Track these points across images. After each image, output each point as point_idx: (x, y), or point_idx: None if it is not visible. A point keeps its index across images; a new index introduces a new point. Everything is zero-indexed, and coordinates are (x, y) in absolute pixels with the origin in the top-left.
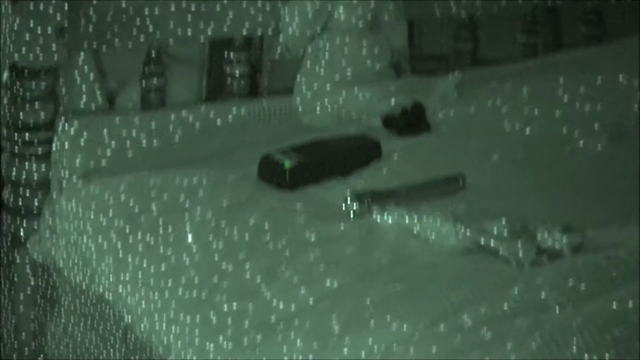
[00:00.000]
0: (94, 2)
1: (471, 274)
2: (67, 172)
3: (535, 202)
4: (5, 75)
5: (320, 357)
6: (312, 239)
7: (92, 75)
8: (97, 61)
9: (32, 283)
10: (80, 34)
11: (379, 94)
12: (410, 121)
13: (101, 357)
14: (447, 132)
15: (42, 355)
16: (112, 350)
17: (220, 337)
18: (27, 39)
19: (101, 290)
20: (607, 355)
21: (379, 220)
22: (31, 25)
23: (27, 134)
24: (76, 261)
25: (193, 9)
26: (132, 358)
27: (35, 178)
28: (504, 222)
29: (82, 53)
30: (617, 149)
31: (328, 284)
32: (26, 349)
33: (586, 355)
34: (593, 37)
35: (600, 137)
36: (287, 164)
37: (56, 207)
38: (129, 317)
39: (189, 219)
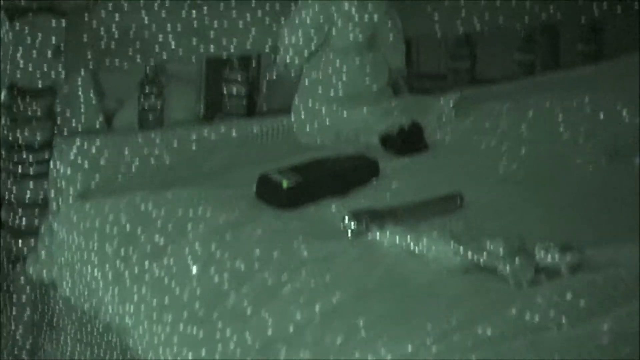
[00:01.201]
0: (92, 22)
1: (469, 293)
2: (64, 192)
3: (534, 221)
4: (3, 95)
5: None
6: (311, 258)
7: (90, 95)
8: (95, 81)
9: (30, 302)
10: (78, 54)
11: (377, 113)
12: (408, 140)
13: None
14: (445, 151)
15: None
16: None
17: (217, 357)
18: (25, 59)
19: (97, 310)
20: None
21: (377, 239)
22: (29, 45)
23: (25, 154)
24: (74, 281)
25: (190, 28)
26: None
27: (33, 198)
28: (502, 241)
29: (80, 73)
30: (615, 167)
31: (327, 303)
32: None
33: None
34: (591, 55)
35: (598, 155)
36: (285, 183)
37: (54, 227)
38: (127, 337)
39: (187, 240)
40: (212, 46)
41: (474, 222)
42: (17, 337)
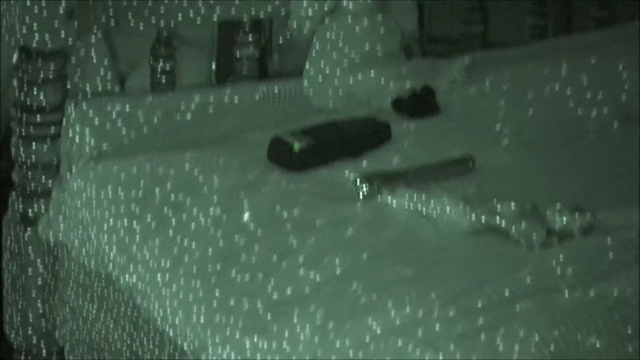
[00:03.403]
0: None
1: (481, 255)
2: (76, 154)
3: (546, 184)
4: (15, 57)
5: (331, 336)
6: (322, 221)
7: (102, 58)
8: (108, 43)
9: (42, 265)
10: (90, 16)
11: (389, 77)
12: (420, 103)
13: (111, 338)
14: (457, 115)
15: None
16: (120, 329)
17: (230, 315)
18: (37, 20)
19: (109, 269)
20: (615, 337)
21: (388, 202)
22: (41, 7)
23: (37, 116)
24: (85, 243)
25: None
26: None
27: (46, 160)
28: (514, 204)
29: (92, 35)
30: (627, 130)
31: (338, 265)
32: (36, 329)
33: (595, 337)
34: (603, 20)
35: (611, 118)
36: (297, 145)
37: (66, 189)
38: (138, 297)
39: (199, 202)
40: (224, 9)
41: (486, 185)
42: (29, 299)
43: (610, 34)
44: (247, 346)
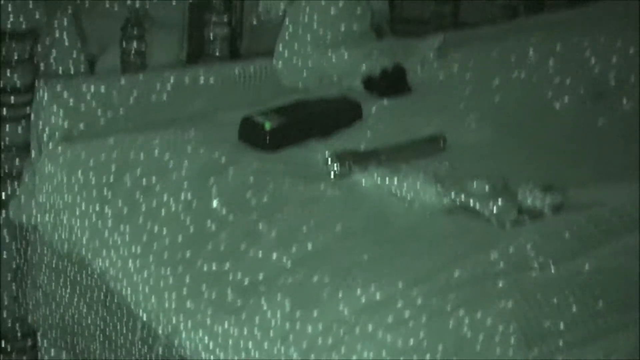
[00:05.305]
0: None
1: (453, 234)
2: (46, 135)
3: (517, 162)
4: None
5: (302, 318)
6: (293, 200)
7: (72, 39)
8: (77, 25)
9: (13, 246)
10: None
11: (360, 56)
12: (391, 83)
13: (84, 322)
14: (427, 94)
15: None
16: (93, 313)
17: (201, 300)
18: (6, 1)
19: (82, 253)
20: (587, 313)
21: (360, 181)
22: None
23: (6, 97)
24: (56, 225)
25: None
26: (114, 322)
27: (16, 141)
28: (485, 182)
29: (62, 16)
30: (598, 109)
31: (310, 244)
32: (9, 313)
33: (566, 313)
34: None
35: (581, 97)
36: (268, 125)
37: (36, 170)
38: (111, 281)
39: (170, 182)
40: None
41: (457, 164)
42: (3, 283)
43: (581, 12)
44: (220, 331)
